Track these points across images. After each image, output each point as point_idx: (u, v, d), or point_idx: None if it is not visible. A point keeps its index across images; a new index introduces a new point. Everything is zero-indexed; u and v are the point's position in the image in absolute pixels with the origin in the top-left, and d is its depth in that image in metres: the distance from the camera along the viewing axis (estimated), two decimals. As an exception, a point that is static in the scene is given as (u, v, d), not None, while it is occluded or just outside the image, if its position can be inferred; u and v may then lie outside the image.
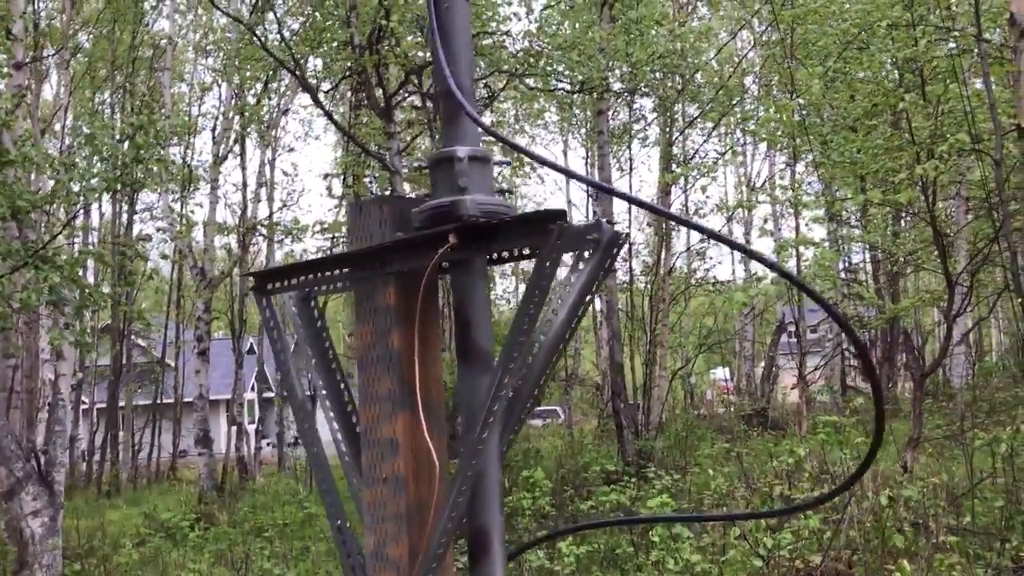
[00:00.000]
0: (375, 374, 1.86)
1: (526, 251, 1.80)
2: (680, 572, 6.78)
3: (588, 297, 1.79)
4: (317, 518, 14.17)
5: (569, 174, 1.77)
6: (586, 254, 1.73)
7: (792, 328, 33.83)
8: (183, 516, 12.57)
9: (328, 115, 13.65)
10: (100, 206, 25.04)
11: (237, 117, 20.75)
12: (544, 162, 1.84)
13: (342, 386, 2.09)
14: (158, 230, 17.15)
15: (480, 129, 1.89)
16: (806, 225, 16.26)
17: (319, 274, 2.03)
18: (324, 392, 2.06)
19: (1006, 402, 15.14)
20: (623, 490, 9.65)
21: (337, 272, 2.00)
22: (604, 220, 1.72)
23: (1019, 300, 7.13)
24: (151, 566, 10.86)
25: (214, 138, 21.04)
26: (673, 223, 17.83)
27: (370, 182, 21.63)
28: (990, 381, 17.48)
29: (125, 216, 24.56)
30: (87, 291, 8.11)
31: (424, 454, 1.84)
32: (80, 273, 8.39)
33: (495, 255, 1.83)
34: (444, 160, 1.81)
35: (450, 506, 1.70)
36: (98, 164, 8.93)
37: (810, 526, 6.02)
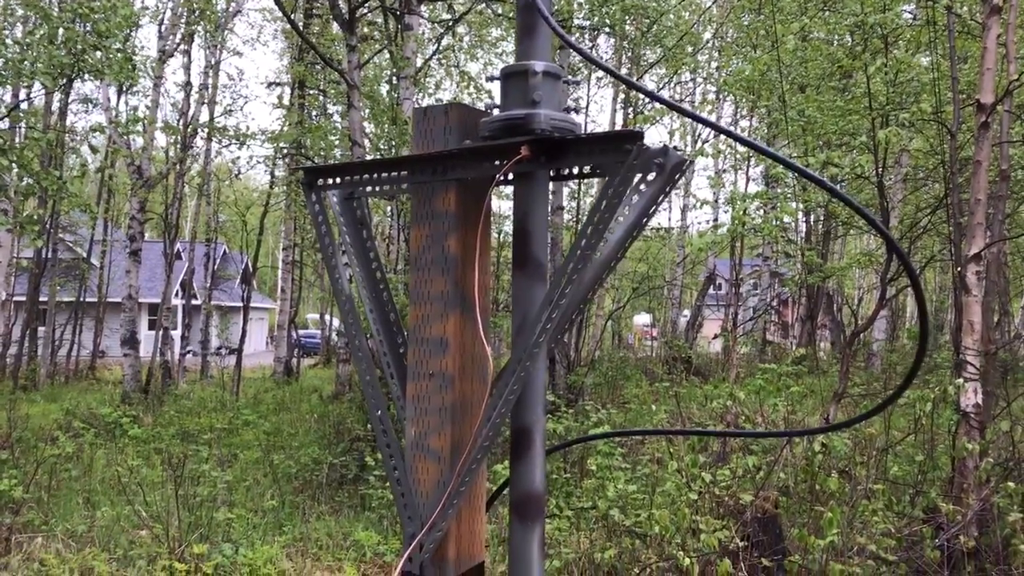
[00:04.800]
0: (428, 275, 1.93)
1: (587, 169, 1.87)
2: (614, 500, 7.06)
3: (645, 220, 1.88)
4: (248, 427, 14.21)
5: (665, 102, 1.82)
6: (650, 177, 1.80)
7: (720, 280, 34.66)
8: (123, 413, 12.45)
9: (292, 22, 13.29)
10: (30, 93, 24.06)
11: (186, 12, 20.06)
12: (629, 83, 1.90)
13: (382, 286, 2.15)
14: (111, 122, 16.50)
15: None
16: (752, 179, 16.56)
17: (369, 175, 2.07)
18: (364, 289, 2.12)
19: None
20: (559, 420, 9.91)
21: (387, 175, 2.04)
22: (672, 146, 1.80)
23: (956, 269, 7.47)
24: (79, 460, 10.81)
25: (160, 33, 20.26)
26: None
27: (321, 94, 21.24)
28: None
29: (57, 104, 23.63)
30: (37, 177, 7.86)
31: (472, 354, 1.93)
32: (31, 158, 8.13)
33: (558, 171, 1.89)
34: (518, 73, 1.86)
35: (501, 403, 1.79)
36: (46, 46, 8.59)
37: (748, 465, 6.32)
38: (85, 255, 28.48)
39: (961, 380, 6.84)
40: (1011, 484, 6.07)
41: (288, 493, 9.89)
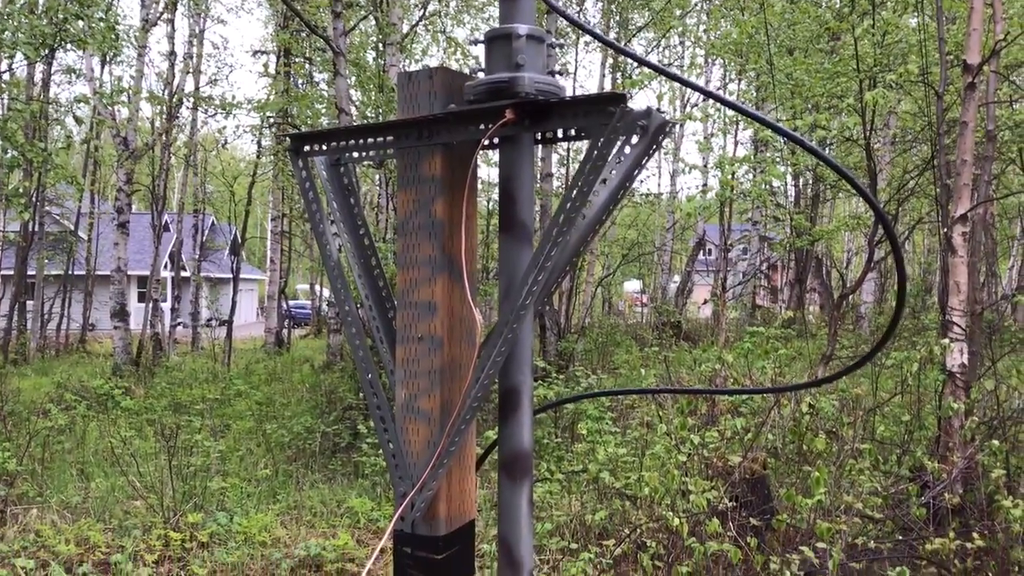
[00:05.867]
0: (415, 240, 1.94)
1: (572, 132, 1.88)
2: (605, 463, 7.15)
3: (629, 182, 1.90)
4: (240, 397, 14.26)
5: (648, 64, 1.84)
6: (633, 139, 1.82)
7: (710, 245, 34.75)
8: (115, 385, 12.46)
9: (275, -13, 13.13)
10: (12, 64, 23.80)
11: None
12: (616, 48, 1.91)
13: (370, 252, 2.17)
14: (95, 93, 16.32)
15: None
16: (740, 143, 16.55)
17: (356, 140, 2.07)
18: (352, 255, 2.14)
19: (907, 328, 16.02)
20: (550, 386, 9.98)
21: (373, 140, 2.05)
22: (656, 108, 1.81)
23: (943, 230, 7.51)
24: (71, 432, 10.84)
25: (142, 1, 20.01)
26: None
27: (306, 62, 21.07)
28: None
29: (40, 76, 23.38)
30: (21, 149, 7.80)
31: (461, 317, 1.95)
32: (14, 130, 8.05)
33: (543, 134, 1.91)
34: (501, 36, 1.86)
35: (489, 365, 1.81)
36: (27, 16, 8.48)
37: (736, 427, 6.39)
38: (72, 228, 28.35)
39: (947, 340, 6.91)
40: (995, 442, 6.16)
41: (281, 462, 9.96)
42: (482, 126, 1.83)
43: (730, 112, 15.91)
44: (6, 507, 7.47)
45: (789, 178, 24.84)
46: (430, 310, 1.92)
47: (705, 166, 26.78)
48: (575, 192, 1.75)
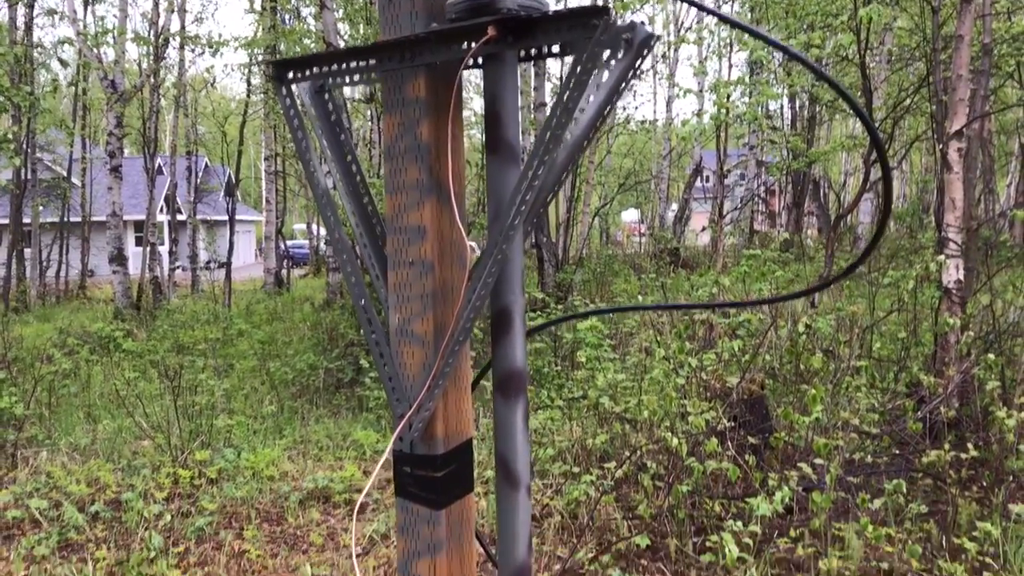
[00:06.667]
0: (402, 164, 1.94)
1: (556, 48, 1.85)
2: (604, 389, 7.22)
3: (615, 98, 1.89)
4: (242, 337, 14.34)
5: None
6: (619, 54, 1.80)
7: (707, 172, 34.56)
8: (116, 328, 12.52)
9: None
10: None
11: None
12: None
13: (358, 178, 2.16)
14: (79, 35, 16.04)
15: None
16: (735, 66, 16.32)
17: (339, 65, 2.05)
18: (340, 182, 2.13)
19: (904, 248, 16.04)
20: (549, 317, 10.03)
21: (356, 64, 2.03)
22: (639, 21, 1.78)
23: (939, 147, 7.47)
24: (76, 376, 10.94)
25: (122, -62, 19.53)
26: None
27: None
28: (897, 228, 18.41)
29: (22, 19, 22.98)
30: (8, 94, 7.70)
31: (451, 240, 1.96)
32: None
33: (526, 51, 1.88)
34: (481, -47, 1.83)
35: (480, 286, 1.83)
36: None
37: (733, 349, 6.44)
38: (65, 174, 28.16)
39: (943, 257, 6.93)
40: (991, 356, 6.22)
41: (286, 399, 10.06)
42: (465, 45, 1.81)
43: (724, 34, 15.68)
44: (16, 450, 7.57)
45: (785, 100, 24.62)
46: (419, 234, 1.92)
47: (700, 91, 26.48)
48: (560, 109, 1.74)
